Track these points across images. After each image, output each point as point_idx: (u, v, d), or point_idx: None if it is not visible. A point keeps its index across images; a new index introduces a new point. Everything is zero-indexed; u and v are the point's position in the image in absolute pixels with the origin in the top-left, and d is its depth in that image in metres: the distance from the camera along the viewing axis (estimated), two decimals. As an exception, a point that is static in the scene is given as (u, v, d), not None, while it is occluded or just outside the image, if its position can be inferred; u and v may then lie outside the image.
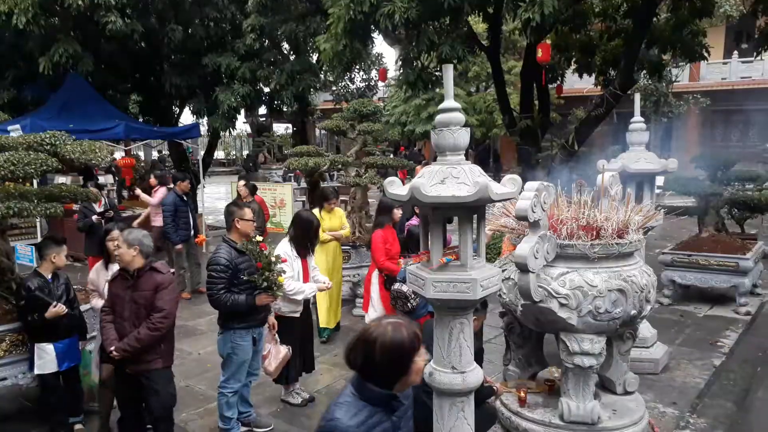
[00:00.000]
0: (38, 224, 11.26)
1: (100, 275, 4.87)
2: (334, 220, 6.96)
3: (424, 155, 25.65)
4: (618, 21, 10.34)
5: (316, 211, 6.65)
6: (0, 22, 10.48)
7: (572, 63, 11.45)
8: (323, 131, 27.04)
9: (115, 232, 4.63)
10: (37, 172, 4.36)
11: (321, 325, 6.68)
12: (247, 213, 4.54)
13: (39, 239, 10.72)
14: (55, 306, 4.38)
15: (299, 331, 5.20)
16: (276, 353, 4.82)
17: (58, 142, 4.67)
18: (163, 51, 13.86)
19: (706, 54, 10.48)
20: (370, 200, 8.88)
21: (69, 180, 14.96)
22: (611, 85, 9.55)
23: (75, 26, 12.19)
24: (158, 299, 3.98)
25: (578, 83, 15.08)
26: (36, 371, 4.52)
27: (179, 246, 8.47)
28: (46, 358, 4.50)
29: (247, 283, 4.36)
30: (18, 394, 5.15)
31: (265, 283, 4.36)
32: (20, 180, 4.59)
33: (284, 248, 5.05)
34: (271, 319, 4.81)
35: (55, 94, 12.30)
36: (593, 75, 11.61)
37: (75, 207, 8.18)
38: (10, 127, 8.87)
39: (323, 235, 6.40)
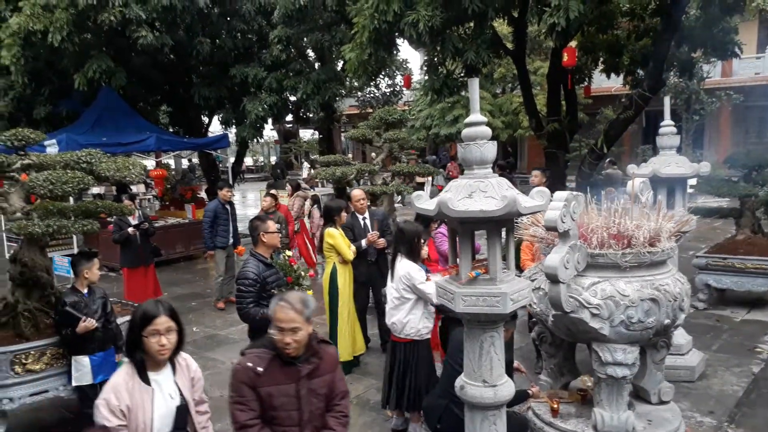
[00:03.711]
0: (74, 235, 11.56)
1: None
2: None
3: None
4: (646, 20, 10.18)
5: (331, 229, 6.08)
6: (36, 40, 10.83)
7: (599, 63, 11.30)
8: (345, 135, 27.17)
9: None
10: (74, 190, 4.51)
11: (341, 359, 6.17)
12: (271, 225, 4.60)
13: (75, 249, 11.01)
14: (84, 321, 4.50)
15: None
16: None
17: (93, 161, 4.82)
18: (191, 63, 14.16)
19: (738, 51, 10.25)
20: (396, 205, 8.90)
21: (102, 190, 15.37)
22: (640, 86, 9.40)
23: (107, 42, 12.55)
24: (339, 378, 2.99)
25: (606, 82, 14.87)
26: (73, 383, 4.66)
27: (211, 252, 8.62)
28: (83, 370, 4.62)
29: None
30: (59, 405, 5.29)
31: None
32: (59, 198, 4.74)
33: (411, 266, 4.62)
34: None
35: (88, 109, 12.67)
36: (621, 75, 11.45)
37: (110, 218, 8.39)
38: (46, 143, 9.15)
39: (350, 253, 6.05)
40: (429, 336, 4.65)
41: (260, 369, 2.74)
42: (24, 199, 4.97)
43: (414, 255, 4.61)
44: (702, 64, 13.55)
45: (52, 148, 9.54)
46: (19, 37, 10.65)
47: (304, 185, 12.29)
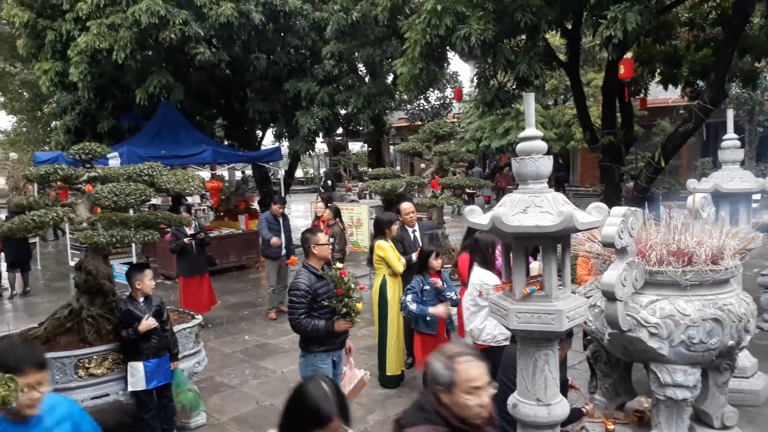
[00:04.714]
0: (133, 244, 12.01)
1: None
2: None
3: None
4: (706, 30, 9.87)
5: (382, 242, 6.06)
6: (102, 58, 11.37)
7: (656, 75, 11.01)
8: (395, 148, 27.31)
9: None
10: (137, 201, 4.69)
11: (388, 373, 6.00)
12: (321, 238, 4.66)
13: (134, 258, 11.44)
14: (147, 319, 4.65)
15: None
16: (351, 377, 4.85)
17: (155, 173, 5.01)
18: (247, 78, 14.57)
19: (806, 60, 9.81)
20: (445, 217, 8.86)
21: (159, 200, 15.92)
22: (700, 98, 9.09)
23: (167, 58, 13.06)
24: None
25: (663, 93, 14.47)
26: (129, 388, 4.80)
27: (262, 259, 8.82)
28: (137, 376, 4.76)
29: (327, 308, 4.46)
30: (118, 409, 5.47)
31: (344, 309, 4.44)
32: (122, 209, 4.94)
33: (484, 274, 4.80)
34: (349, 342, 4.87)
35: (148, 123, 13.19)
36: (679, 86, 11.12)
37: (167, 228, 8.66)
38: (109, 156, 9.56)
39: (400, 265, 6.04)
40: (507, 343, 4.66)
41: None
42: (89, 210, 5.21)
43: (488, 263, 4.85)
44: (766, 74, 13.02)
45: (114, 160, 9.96)
46: (87, 55, 11.20)
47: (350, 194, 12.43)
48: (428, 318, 5.36)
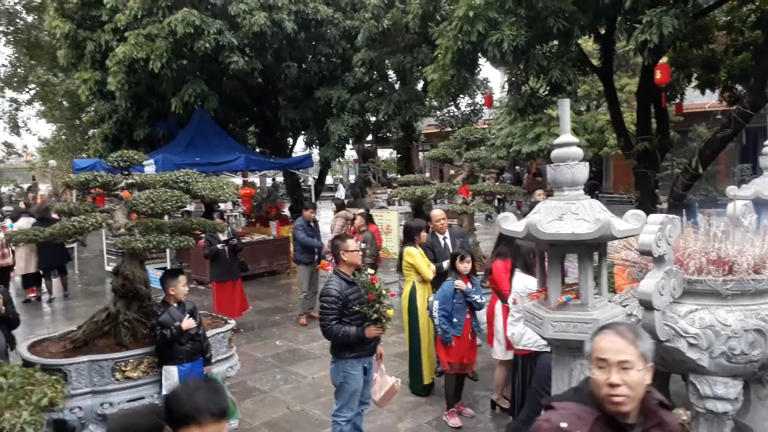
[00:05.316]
0: (167, 249, 12.24)
1: None
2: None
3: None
4: (745, 33, 9.63)
5: (411, 248, 6.08)
6: (138, 67, 11.65)
7: (692, 80, 10.77)
8: (426, 155, 27.31)
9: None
10: (173, 208, 4.77)
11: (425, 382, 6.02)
12: (351, 244, 4.67)
13: (168, 263, 11.64)
14: (188, 318, 4.74)
15: None
16: (382, 384, 4.84)
17: (191, 180, 5.10)
18: (279, 86, 14.77)
19: None
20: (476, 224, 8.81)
21: (192, 207, 16.19)
22: (739, 103, 8.87)
23: (201, 67, 13.33)
24: None
25: (699, 98, 14.15)
26: (163, 392, 4.83)
27: (294, 265, 8.91)
28: (171, 379, 4.81)
29: (358, 314, 4.47)
30: (153, 412, 5.56)
31: (375, 315, 4.45)
32: (158, 215, 5.04)
33: (527, 279, 4.81)
34: (380, 349, 4.87)
35: (183, 130, 13.45)
36: (716, 91, 10.86)
37: (201, 234, 8.80)
38: (145, 163, 9.77)
39: (429, 272, 6.03)
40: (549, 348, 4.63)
41: None
42: (126, 216, 5.32)
43: (530, 269, 4.83)
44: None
45: (150, 167, 10.18)
46: (124, 64, 11.50)
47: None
48: (454, 319, 5.34)
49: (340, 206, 11.34)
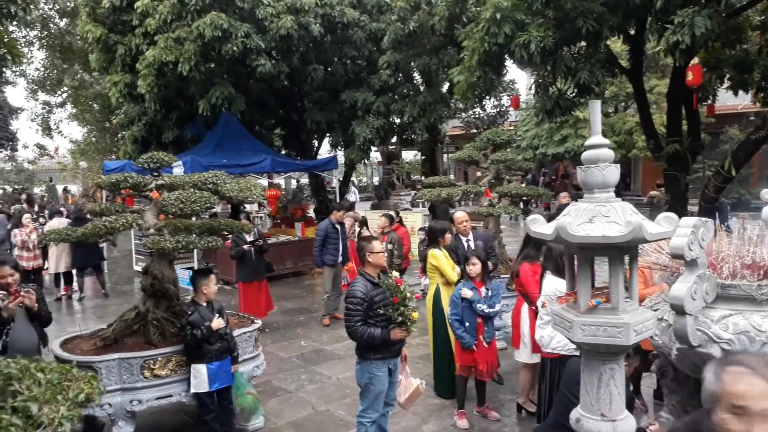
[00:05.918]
0: (195, 249, 12.40)
1: None
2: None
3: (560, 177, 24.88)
4: (781, 33, 9.40)
5: (435, 251, 6.08)
6: (168, 71, 11.84)
7: (725, 80, 10.55)
8: (451, 156, 27.19)
9: None
10: (202, 209, 4.84)
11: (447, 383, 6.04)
12: (376, 246, 4.68)
13: (195, 263, 11.79)
14: (218, 318, 4.82)
15: None
16: (407, 386, 4.83)
17: (219, 182, 5.16)
18: (305, 89, 14.86)
19: None
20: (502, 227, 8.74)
21: (219, 208, 16.38)
22: (773, 104, 8.67)
23: (228, 70, 13.48)
24: None
25: (731, 100, 13.86)
26: (191, 390, 4.94)
27: (319, 270, 8.92)
28: (200, 378, 4.89)
29: (383, 316, 4.47)
30: (180, 410, 5.64)
31: (400, 318, 4.44)
32: (187, 216, 5.10)
33: (558, 282, 4.73)
34: (405, 350, 4.87)
35: (210, 133, 13.61)
36: (750, 92, 10.61)
37: (228, 235, 8.90)
38: (173, 164, 9.92)
39: (453, 274, 5.97)
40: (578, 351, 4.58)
41: None
42: (155, 217, 5.41)
43: (561, 271, 4.71)
44: None
45: (178, 169, 10.33)
46: (154, 67, 11.70)
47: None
48: (467, 323, 5.32)
49: (348, 208, 11.36)
